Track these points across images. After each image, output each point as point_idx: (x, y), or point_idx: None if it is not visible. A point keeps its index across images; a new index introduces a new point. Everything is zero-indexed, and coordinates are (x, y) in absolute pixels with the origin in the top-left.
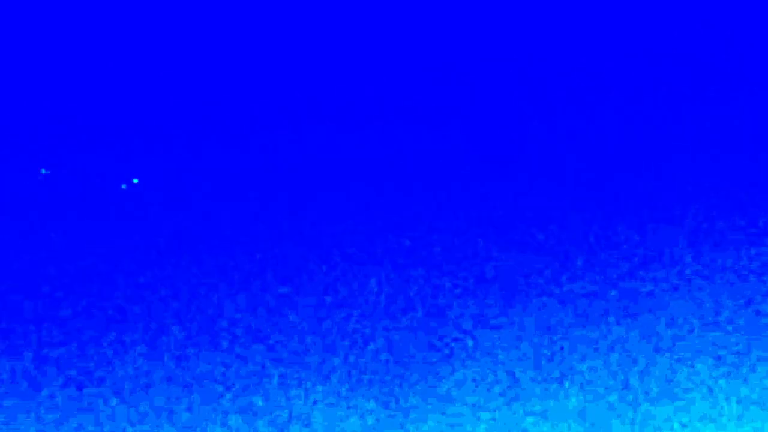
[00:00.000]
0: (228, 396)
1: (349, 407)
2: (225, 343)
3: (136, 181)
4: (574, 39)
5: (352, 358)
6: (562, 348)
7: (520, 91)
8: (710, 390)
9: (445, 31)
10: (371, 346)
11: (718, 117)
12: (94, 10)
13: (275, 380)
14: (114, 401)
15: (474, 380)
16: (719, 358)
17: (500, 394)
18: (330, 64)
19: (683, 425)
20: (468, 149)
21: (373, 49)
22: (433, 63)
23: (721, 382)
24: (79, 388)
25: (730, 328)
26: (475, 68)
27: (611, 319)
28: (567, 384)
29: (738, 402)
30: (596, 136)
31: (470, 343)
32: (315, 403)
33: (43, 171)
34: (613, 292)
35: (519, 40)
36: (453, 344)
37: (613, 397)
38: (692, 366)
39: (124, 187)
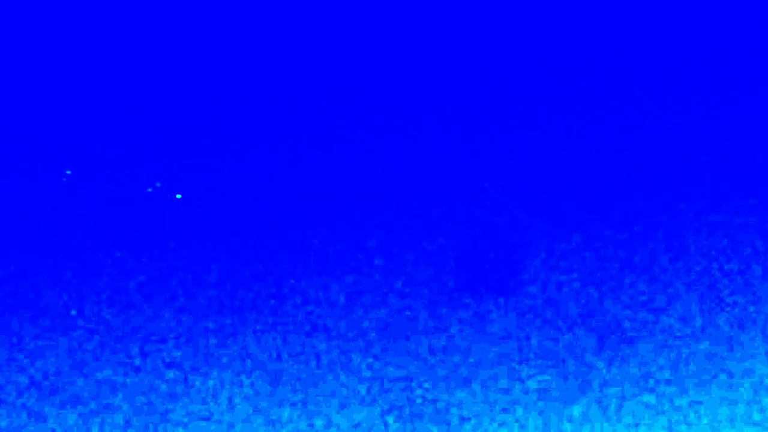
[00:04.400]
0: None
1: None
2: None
3: (159, 184)
4: (575, 39)
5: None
6: (564, 351)
7: (519, 91)
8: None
9: (445, 32)
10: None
11: (718, 117)
12: (125, 20)
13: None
14: (123, 401)
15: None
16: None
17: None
18: (344, 70)
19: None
20: (466, 149)
21: (373, 49)
22: (433, 63)
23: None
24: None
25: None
26: (475, 69)
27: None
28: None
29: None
30: (596, 136)
31: (466, 344)
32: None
33: (68, 172)
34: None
35: (519, 41)
36: (451, 346)
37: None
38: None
39: (150, 190)
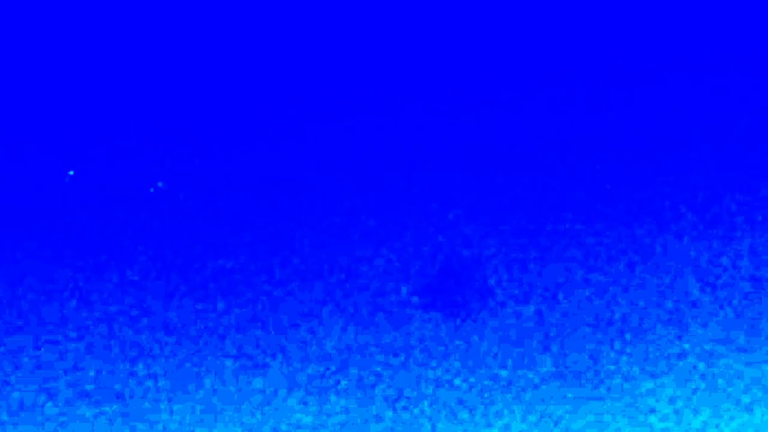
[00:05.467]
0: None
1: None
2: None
3: (161, 184)
4: (574, 39)
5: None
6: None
7: (518, 91)
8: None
9: (445, 32)
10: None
11: (718, 117)
12: (126, 21)
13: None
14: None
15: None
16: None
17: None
18: (337, 65)
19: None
20: (465, 148)
21: (373, 49)
22: (432, 63)
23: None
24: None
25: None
26: (475, 68)
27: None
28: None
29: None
30: (595, 135)
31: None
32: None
33: (71, 173)
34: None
35: (519, 41)
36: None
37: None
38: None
39: (152, 190)
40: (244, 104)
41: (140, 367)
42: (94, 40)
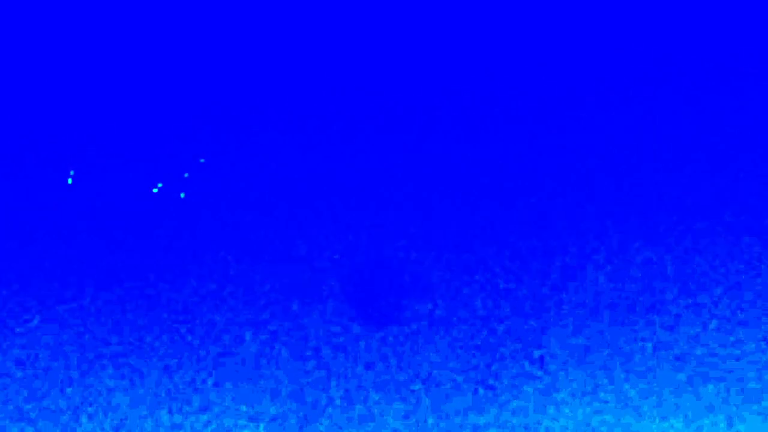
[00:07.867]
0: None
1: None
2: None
3: (162, 184)
4: (574, 39)
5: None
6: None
7: (518, 91)
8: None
9: (445, 32)
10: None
11: (717, 117)
12: (126, 20)
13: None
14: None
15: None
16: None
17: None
18: (341, 69)
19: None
20: (465, 149)
21: (373, 50)
22: (433, 63)
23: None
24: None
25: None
26: (475, 69)
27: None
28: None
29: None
30: (595, 136)
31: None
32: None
33: (72, 172)
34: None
35: (519, 41)
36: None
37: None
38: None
39: (155, 190)
40: (243, 105)
41: (139, 367)
42: (94, 40)
